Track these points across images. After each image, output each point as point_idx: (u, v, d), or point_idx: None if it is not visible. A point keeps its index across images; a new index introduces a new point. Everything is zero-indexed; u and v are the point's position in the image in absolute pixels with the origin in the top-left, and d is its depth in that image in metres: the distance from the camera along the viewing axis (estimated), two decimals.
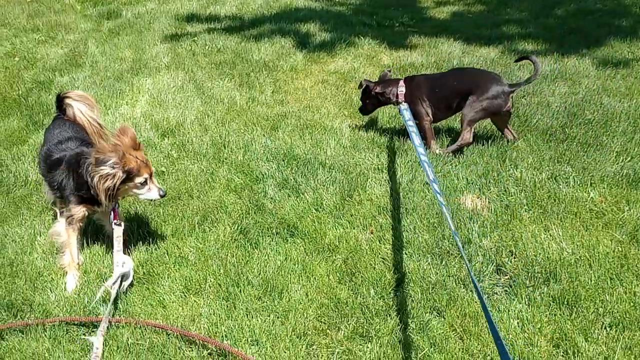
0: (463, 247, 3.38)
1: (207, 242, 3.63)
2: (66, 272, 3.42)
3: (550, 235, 3.42)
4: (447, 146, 4.46)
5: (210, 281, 3.29)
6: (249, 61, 6.53)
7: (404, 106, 4.35)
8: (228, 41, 7.16)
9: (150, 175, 3.32)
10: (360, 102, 4.85)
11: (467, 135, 4.26)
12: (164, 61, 6.69)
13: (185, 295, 3.23)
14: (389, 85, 4.64)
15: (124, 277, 3.22)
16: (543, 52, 6.42)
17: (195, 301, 3.17)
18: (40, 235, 3.76)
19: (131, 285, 3.26)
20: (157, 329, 2.98)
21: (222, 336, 2.92)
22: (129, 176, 3.21)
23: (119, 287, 3.17)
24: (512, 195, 3.82)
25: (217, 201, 4.02)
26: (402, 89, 4.57)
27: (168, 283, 3.31)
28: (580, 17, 7.64)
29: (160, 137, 4.97)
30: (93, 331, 3.01)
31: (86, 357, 2.87)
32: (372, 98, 4.73)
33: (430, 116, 4.49)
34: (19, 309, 3.21)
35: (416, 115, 4.37)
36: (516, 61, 5.01)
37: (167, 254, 3.55)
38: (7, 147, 4.98)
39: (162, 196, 3.38)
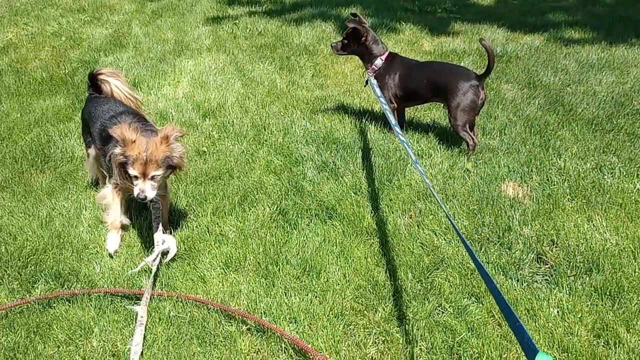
0: (503, 234, 3.36)
1: (247, 221, 3.69)
2: (109, 231, 3.53)
3: (594, 226, 3.37)
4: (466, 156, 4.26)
5: (250, 259, 3.34)
6: (290, 45, 6.55)
7: (374, 81, 4.26)
8: (269, 24, 7.19)
9: (143, 176, 3.17)
10: (340, 39, 4.61)
11: (470, 142, 4.14)
12: (206, 43, 6.76)
13: (225, 272, 3.29)
14: (375, 48, 4.48)
15: (164, 253, 3.30)
16: (590, 41, 6.27)
17: (235, 278, 3.23)
18: (86, 210, 3.86)
19: (173, 259, 3.34)
20: (198, 303, 3.05)
21: (261, 313, 2.97)
22: (126, 163, 3.17)
23: (160, 262, 3.25)
24: (554, 185, 3.76)
25: (256, 182, 4.07)
26: (379, 61, 4.43)
27: (209, 259, 3.37)
28: (630, 5, 7.42)
29: (201, 118, 5.04)
30: (136, 303, 3.10)
31: (130, 326, 2.96)
32: (355, 43, 4.51)
33: (394, 103, 4.40)
34: (66, 279, 3.32)
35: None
36: (480, 40, 4.29)
37: (208, 231, 3.61)
38: (55, 124, 5.12)
39: (140, 199, 3.20)
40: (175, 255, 3.33)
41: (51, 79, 6.05)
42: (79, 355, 2.85)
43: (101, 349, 2.87)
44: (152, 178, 3.19)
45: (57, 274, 3.34)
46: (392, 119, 3.52)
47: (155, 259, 3.24)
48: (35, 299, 3.16)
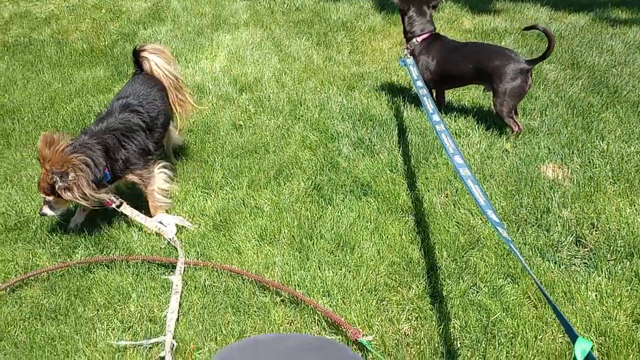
0: (541, 216, 3.31)
1: (282, 195, 3.70)
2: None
3: (636, 210, 3.29)
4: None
5: (285, 232, 3.36)
6: (327, 21, 6.50)
7: (410, 61, 4.08)
8: (306, 0, 7.13)
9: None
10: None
11: (515, 128, 4.03)
12: (243, 18, 6.75)
13: (259, 244, 3.31)
14: (415, 27, 4.33)
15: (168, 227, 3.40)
16: (638, 21, 6.06)
17: (269, 250, 3.26)
18: None
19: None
20: (233, 273, 3.09)
21: (295, 285, 2.99)
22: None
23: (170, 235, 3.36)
24: (596, 167, 3.67)
25: (292, 156, 4.07)
26: (414, 42, 4.29)
27: (244, 231, 3.41)
28: None
29: (238, 92, 5.05)
30: (172, 271, 3.16)
31: (165, 294, 3.02)
32: (413, 8, 4.35)
33: (432, 87, 4.30)
34: (105, 245, 3.39)
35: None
36: (525, 29, 4.29)
37: (244, 204, 3.64)
38: (94, 95, 5.20)
39: (41, 215, 3.37)
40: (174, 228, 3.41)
41: (91, 51, 6.13)
42: (117, 319, 2.92)
43: (138, 314, 2.94)
44: (45, 200, 3.29)
45: (97, 240, 3.42)
46: (429, 106, 3.31)
47: (172, 237, 3.32)
48: (75, 263, 3.24)
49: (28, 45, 6.41)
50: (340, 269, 3.08)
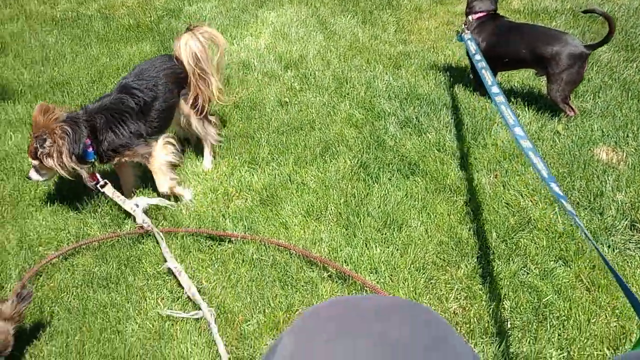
0: (594, 199, 3.23)
1: (328, 172, 3.69)
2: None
3: None
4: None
5: (331, 209, 3.36)
6: None
7: (468, 35, 3.97)
8: None
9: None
10: None
11: (570, 113, 3.90)
12: None
13: (306, 220, 3.32)
14: (475, 4, 4.25)
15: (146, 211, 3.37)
16: None
17: (316, 226, 3.26)
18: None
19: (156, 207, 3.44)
20: (280, 247, 3.10)
21: (342, 261, 2.99)
22: None
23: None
24: None
25: (338, 134, 4.06)
26: (470, 19, 4.21)
27: (290, 207, 3.42)
28: None
29: (283, 69, 5.04)
30: (220, 244, 3.19)
31: (214, 265, 3.05)
32: None
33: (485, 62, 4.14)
34: (153, 217, 3.44)
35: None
36: (583, 12, 4.16)
37: (290, 180, 3.65)
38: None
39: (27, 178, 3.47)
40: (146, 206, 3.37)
41: (137, 26, 6.18)
42: (166, 288, 2.98)
43: (187, 285, 2.99)
44: (32, 165, 3.35)
45: (145, 211, 3.47)
46: (488, 79, 3.23)
47: (144, 220, 3.28)
48: (125, 234, 3.31)
49: (76, 19, 6.49)
50: (388, 247, 3.06)
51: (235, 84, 4.81)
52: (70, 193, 3.68)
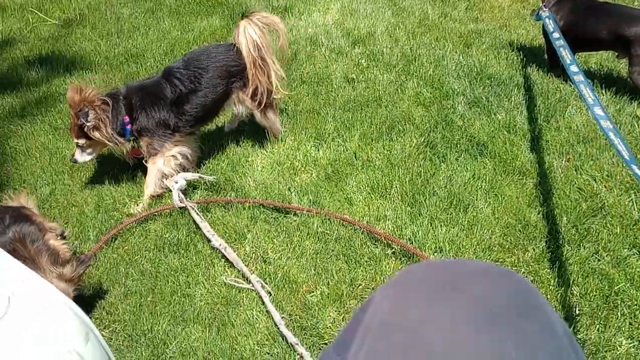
0: None
1: (394, 150, 3.68)
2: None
3: None
4: None
5: (396, 187, 3.36)
6: None
7: (546, 14, 3.78)
8: None
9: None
10: None
11: None
12: None
13: (371, 196, 3.34)
14: None
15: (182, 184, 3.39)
16: None
17: (380, 203, 3.27)
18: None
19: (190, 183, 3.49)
20: (344, 223, 3.14)
21: (406, 239, 3.00)
22: None
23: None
24: None
25: (405, 112, 4.03)
26: None
27: (355, 183, 3.44)
28: None
29: (350, 46, 5.02)
30: (285, 216, 3.25)
31: (279, 237, 3.12)
32: None
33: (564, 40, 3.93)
34: (222, 187, 3.54)
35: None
36: None
37: (355, 156, 3.66)
38: (209, 41, 5.35)
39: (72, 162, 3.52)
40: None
41: (208, 0, 6.28)
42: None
43: (253, 254, 3.07)
44: (78, 145, 3.37)
45: (214, 182, 3.57)
46: (567, 57, 3.13)
47: (181, 198, 3.33)
48: (195, 202, 3.41)
49: None
50: (453, 227, 3.05)
51: (303, 59, 4.84)
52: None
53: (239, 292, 2.84)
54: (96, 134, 3.28)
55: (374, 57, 4.77)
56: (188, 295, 2.85)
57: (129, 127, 3.37)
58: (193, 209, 3.26)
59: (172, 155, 3.48)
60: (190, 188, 3.56)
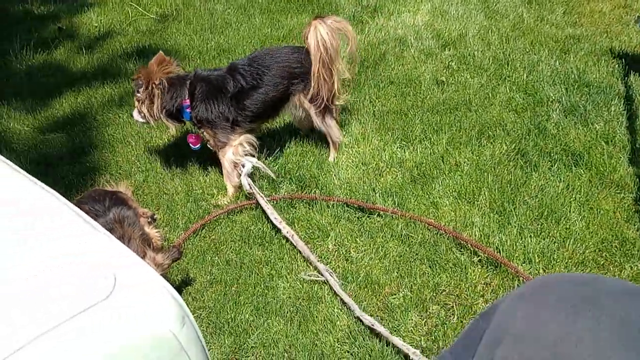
0: None
1: (483, 155, 3.60)
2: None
3: None
4: None
5: (485, 193, 3.28)
6: None
7: None
8: None
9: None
10: None
11: None
12: None
13: (457, 202, 3.27)
14: None
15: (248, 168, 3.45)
16: None
17: (467, 209, 3.21)
18: None
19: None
20: (429, 227, 3.09)
21: (494, 248, 2.92)
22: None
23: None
24: None
25: (495, 117, 3.93)
26: None
27: (441, 187, 3.38)
28: None
29: (440, 48, 4.94)
30: (369, 216, 3.25)
31: (362, 237, 3.12)
32: None
33: None
34: (306, 184, 3.57)
35: None
36: None
37: (442, 160, 3.60)
38: (300, 41, 5.39)
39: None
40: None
41: None
42: (316, 253, 3.08)
43: (336, 252, 3.09)
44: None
45: (300, 178, 3.61)
46: None
47: (249, 184, 3.40)
48: (280, 197, 3.46)
49: None
50: (544, 239, 2.94)
51: (391, 60, 4.81)
52: None
53: (321, 288, 2.86)
54: (143, 108, 3.47)
55: (464, 60, 4.68)
56: (271, 288, 2.89)
57: (188, 110, 3.48)
58: (260, 195, 3.33)
59: (240, 144, 3.57)
60: (276, 182, 3.61)
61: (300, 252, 3.04)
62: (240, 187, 3.55)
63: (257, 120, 3.67)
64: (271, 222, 3.21)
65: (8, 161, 1.97)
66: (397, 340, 2.47)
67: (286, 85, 3.57)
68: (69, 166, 3.97)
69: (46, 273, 1.56)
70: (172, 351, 1.63)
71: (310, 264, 2.95)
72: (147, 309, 1.65)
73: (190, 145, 3.64)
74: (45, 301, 1.45)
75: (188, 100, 3.46)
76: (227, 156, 3.54)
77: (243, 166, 3.45)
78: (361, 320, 2.59)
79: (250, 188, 3.38)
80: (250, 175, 3.46)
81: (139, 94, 3.44)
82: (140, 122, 3.64)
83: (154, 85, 3.39)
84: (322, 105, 3.59)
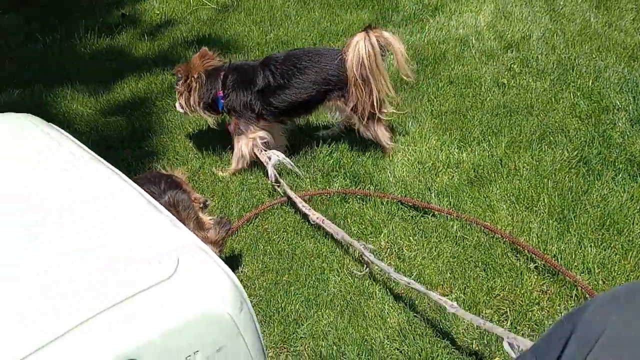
0: None
1: (543, 161, 3.51)
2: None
3: None
4: None
5: (544, 200, 3.20)
6: None
7: None
8: None
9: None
10: None
11: None
12: None
13: (515, 207, 3.21)
14: None
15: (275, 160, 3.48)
16: None
17: (525, 215, 3.14)
18: None
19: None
20: (485, 230, 3.04)
21: (552, 255, 2.85)
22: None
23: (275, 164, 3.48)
24: None
25: (557, 123, 3.83)
26: None
27: (499, 191, 3.32)
28: None
29: (502, 50, 4.85)
30: (423, 215, 3.21)
31: (416, 236, 3.09)
32: None
33: None
34: (361, 179, 3.56)
35: None
36: None
37: (501, 164, 3.53)
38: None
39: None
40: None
41: None
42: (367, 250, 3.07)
43: (388, 250, 3.07)
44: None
45: (354, 174, 3.60)
46: None
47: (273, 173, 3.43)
48: (334, 192, 3.46)
49: None
50: (605, 249, 2.85)
51: (451, 60, 4.74)
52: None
53: (372, 283, 2.85)
54: (182, 100, 3.62)
55: (527, 63, 4.58)
56: (322, 281, 2.90)
57: (222, 101, 3.57)
58: (286, 185, 3.37)
59: (252, 138, 3.61)
60: (330, 176, 3.60)
61: (343, 245, 3.04)
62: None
63: (285, 117, 3.71)
64: (299, 210, 3.25)
65: (82, 145, 2.03)
66: (433, 295, 2.50)
67: (317, 90, 3.53)
68: (128, 149, 4.07)
69: (114, 250, 1.60)
70: (229, 334, 1.65)
71: (344, 243, 2.98)
72: (207, 291, 1.68)
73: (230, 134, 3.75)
74: (112, 277, 1.49)
75: (221, 92, 3.56)
76: (239, 145, 3.64)
77: (269, 158, 3.49)
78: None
79: (276, 180, 3.43)
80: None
81: (178, 87, 3.62)
82: (182, 112, 3.79)
83: (192, 79, 3.52)
84: (365, 116, 3.50)
